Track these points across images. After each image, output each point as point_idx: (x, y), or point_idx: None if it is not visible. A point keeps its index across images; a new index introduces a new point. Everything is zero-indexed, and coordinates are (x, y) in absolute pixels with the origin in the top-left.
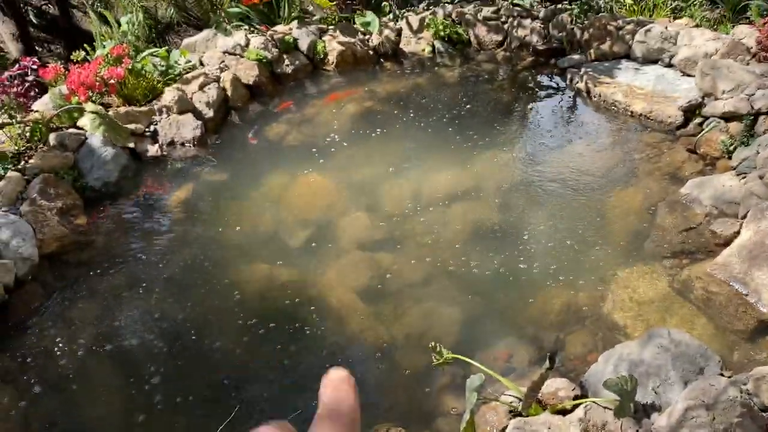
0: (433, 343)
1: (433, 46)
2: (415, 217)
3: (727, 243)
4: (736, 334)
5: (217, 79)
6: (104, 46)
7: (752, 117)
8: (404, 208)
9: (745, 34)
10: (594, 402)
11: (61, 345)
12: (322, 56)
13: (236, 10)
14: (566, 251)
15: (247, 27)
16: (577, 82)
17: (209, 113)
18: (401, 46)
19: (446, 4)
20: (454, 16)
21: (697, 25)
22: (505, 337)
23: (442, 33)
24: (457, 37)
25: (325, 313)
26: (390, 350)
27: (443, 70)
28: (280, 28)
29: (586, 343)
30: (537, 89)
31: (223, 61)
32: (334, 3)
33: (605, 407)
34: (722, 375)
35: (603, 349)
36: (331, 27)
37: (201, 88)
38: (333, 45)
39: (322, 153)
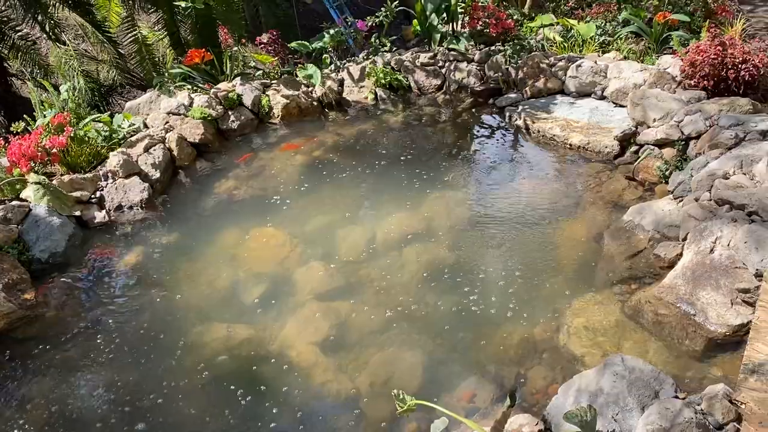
0: (395, 391)
1: (376, 94)
2: (370, 262)
3: (671, 265)
4: (688, 355)
5: (163, 140)
6: (44, 116)
7: (683, 142)
8: (359, 254)
9: (670, 63)
10: None
11: (12, 428)
12: (267, 110)
13: (178, 70)
14: (520, 285)
15: (190, 86)
16: (516, 120)
17: (156, 174)
18: (344, 95)
19: (385, 53)
20: (393, 63)
21: (624, 58)
22: (467, 377)
23: (383, 80)
24: (398, 84)
25: (286, 368)
26: (355, 401)
27: (387, 116)
28: (223, 85)
29: (546, 376)
30: (478, 129)
31: (167, 122)
32: (276, 58)
33: None
34: (677, 397)
35: (563, 381)
36: (274, 81)
37: (146, 150)
38: (277, 98)
39: (273, 205)
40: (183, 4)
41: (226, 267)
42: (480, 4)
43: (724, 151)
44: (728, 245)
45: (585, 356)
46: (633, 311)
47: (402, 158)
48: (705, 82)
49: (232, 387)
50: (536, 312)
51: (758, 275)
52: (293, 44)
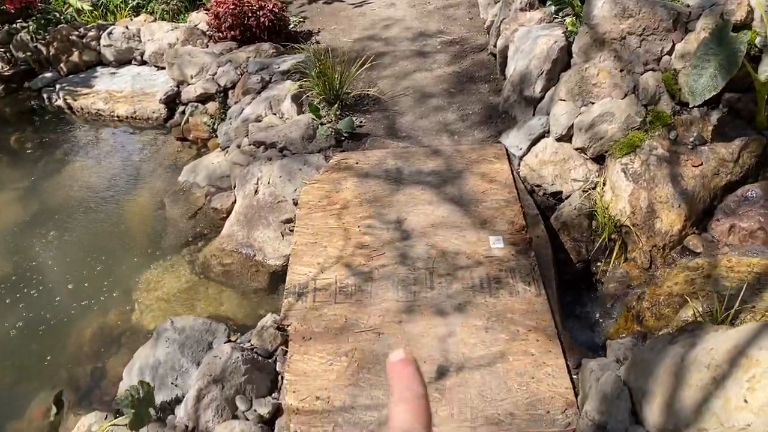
0: None
1: None
2: None
3: (228, 215)
4: (258, 293)
5: None
6: None
7: (222, 94)
8: None
9: (199, 19)
10: (114, 425)
11: None
12: None
13: None
14: (90, 275)
15: None
16: (56, 100)
17: None
18: None
19: None
20: None
21: (161, 19)
22: (38, 394)
23: None
24: None
25: None
26: None
27: None
28: None
29: (126, 361)
30: (17, 118)
31: None
32: None
33: (125, 425)
34: (229, 341)
35: None
36: None
37: None
38: None
39: None
40: None
41: None
42: None
43: (254, 95)
44: (268, 183)
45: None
46: (202, 268)
47: None
48: (232, 32)
49: None
50: (109, 298)
51: (295, 203)
52: None
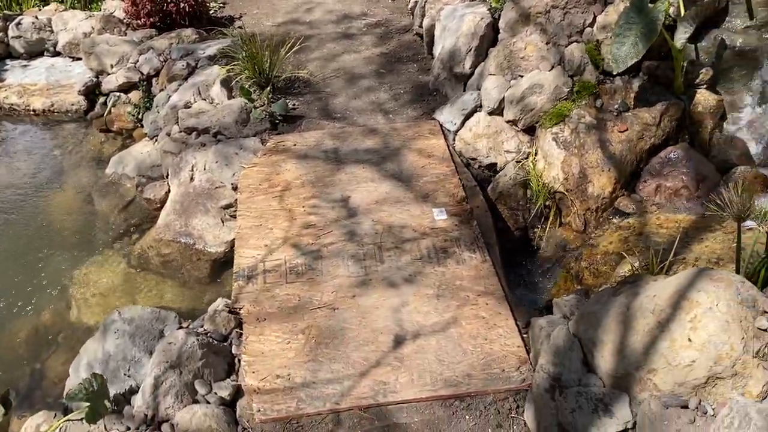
0: None
1: None
2: None
3: (163, 205)
4: (200, 282)
5: None
6: None
7: (146, 82)
8: None
9: (115, 6)
10: (69, 420)
11: None
12: None
13: None
14: (18, 276)
15: None
16: None
17: None
18: None
19: None
20: None
21: (66, 8)
22: None
23: None
24: None
25: None
26: None
27: None
28: None
29: (67, 359)
30: None
31: None
32: None
33: (81, 419)
34: (182, 327)
35: None
36: None
37: None
38: None
39: None
40: None
41: None
42: None
43: (181, 82)
44: (204, 169)
45: (100, 323)
46: (139, 260)
47: None
48: (151, 19)
49: None
50: (41, 297)
51: (235, 188)
52: None
